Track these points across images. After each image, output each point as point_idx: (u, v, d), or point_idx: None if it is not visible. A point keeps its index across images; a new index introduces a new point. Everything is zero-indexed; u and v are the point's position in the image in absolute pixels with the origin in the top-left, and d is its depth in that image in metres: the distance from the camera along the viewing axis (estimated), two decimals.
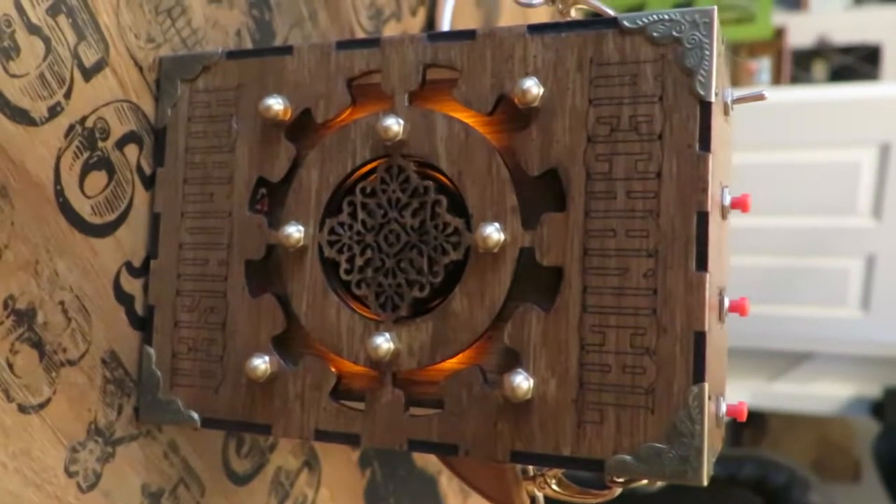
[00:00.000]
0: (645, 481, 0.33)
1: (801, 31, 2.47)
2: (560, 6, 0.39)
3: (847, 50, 2.48)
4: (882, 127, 1.89)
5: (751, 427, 2.46)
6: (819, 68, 2.51)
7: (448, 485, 0.71)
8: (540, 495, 0.39)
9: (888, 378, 2.11)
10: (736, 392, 2.15)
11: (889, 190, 1.91)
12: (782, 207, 1.97)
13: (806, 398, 2.20)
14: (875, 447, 2.03)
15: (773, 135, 1.95)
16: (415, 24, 0.62)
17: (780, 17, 2.46)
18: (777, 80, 2.47)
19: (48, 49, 0.33)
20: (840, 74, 2.47)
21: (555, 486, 0.38)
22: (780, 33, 2.45)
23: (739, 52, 2.43)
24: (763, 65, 2.47)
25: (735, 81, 2.43)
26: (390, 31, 0.59)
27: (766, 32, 2.29)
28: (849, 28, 2.45)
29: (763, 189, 1.93)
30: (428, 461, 0.68)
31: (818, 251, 1.98)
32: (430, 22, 0.64)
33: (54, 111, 0.34)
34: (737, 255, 1.97)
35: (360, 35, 0.55)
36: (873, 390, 2.15)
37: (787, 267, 2.01)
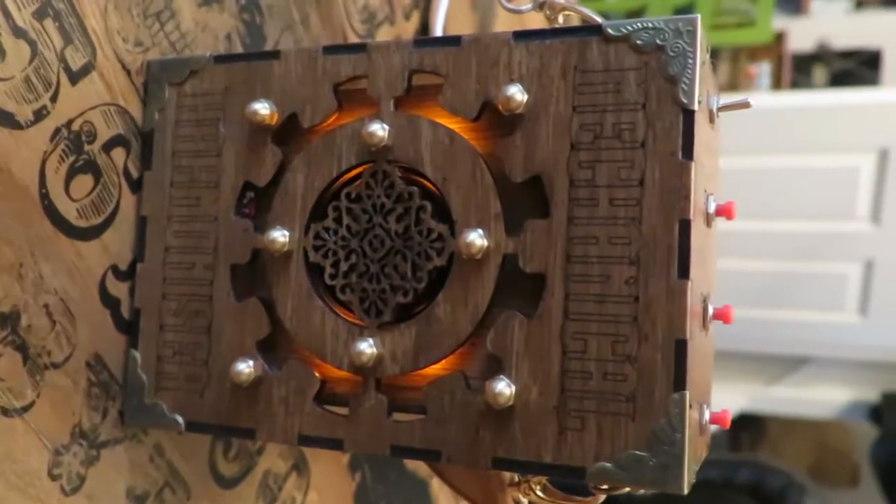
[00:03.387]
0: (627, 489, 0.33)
1: (801, 36, 2.47)
2: (548, 12, 0.39)
3: (847, 55, 2.48)
4: (881, 132, 1.89)
5: (749, 431, 2.46)
6: (819, 73, 2.51)
7: (440, 488, 0.71)
8: (525, 501, 0.39)
9: (886, 383, 2.11)
10: (734, 396, 2.15)
11: (888, 195, 1.91)
12: (781, 212, 1.97)
13: (804, 403, 2.20)
14: (873, 452, 2.03)
15: (772, 139, 1.95)
16: (408, 27, 0.62)
17: (780, 22, 2.46)
18: (777, 84, 2.47)
19: (34, 52, 0.33)
20: (840, 79, 2.47)
21: (539, 493, 0.38)
22: (780, 38, 2.45)
23: (740, 56, 2.43)
24: (763, 69, 2.47)
25: (735, 86, 2.43)
26: (384, 34, 0.59)
27: (766, 37, 2.29)
28: (849, 33, 2.45)
29: (762, 193, 1.93)
30: (419, 464, 0.68)
31: (817, 256, 1.98)
32: (425, 26, 0.64)
33: (40, 114, 0.34)
34: (735, 260, 1.97)
35: (353, 39, 0.55)
36: (871, 395, 2.14)
37: (785, 271, 2.01)
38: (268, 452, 0.49)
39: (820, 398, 2.19)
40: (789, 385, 2.22)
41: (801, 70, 2.50)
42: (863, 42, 2.43)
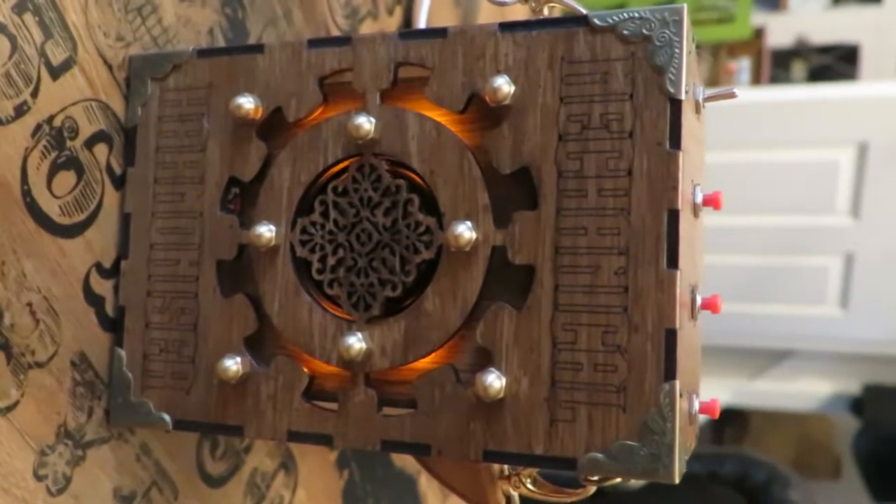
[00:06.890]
0: (619, 479, 0.33)
1: (780, 32, 2.49)
2: (533, 4, 0.39)
3: (825, 50, 2.50)
4: (860, 126, 1.91)
5: (732, 424, 2.48)
6: (798, 68, 2.53)
7: (428, 485, 0.71)
8: (515, 494, 0.39)
9: (867, 375, 2.13)
10: (717, 390, 2.16)
11: (867, 189, 1.92)
12: (762, 206, 1.98)
13: (786, 395, 2.22)
14: (855, 444, 2.05)
15: (752, 134, 1.96)
16: (391, 23, 0.62)
17: (759, 18, 2.48)
18: (756, 80, 2.49)
19: (14, 47, 0.33)
20: (819, 74, 2.49)
21: (530, 485, 0.38)
22: (759, 33, 2.47)
23: (719, 52, 2.45)
24: (743, 65, 2.48)
25: (715, 82, 2.45)
26: (366, 30, 0.59)
27: (745, 32, 2.31)
28: (827, 28, 2.47)
29: (743, 188, 1.94)
30: (407, 461, 0.67)
31: (797, 250, 2.00)
32: (408, 21, 0.64)
33: (21, 110, 0.33)
34: (718, 254, 1.98)
35: (336, 34, 0.55)
36: (853, 387, 2.16)
37: (767, 265, 2.03)
38: (255, 451, 0.49)
39: (802, 391, 2.21)
40: (772, 378, 2.23)
41: (780, 65, 2.52)
42: (840, 37, 2.46)
